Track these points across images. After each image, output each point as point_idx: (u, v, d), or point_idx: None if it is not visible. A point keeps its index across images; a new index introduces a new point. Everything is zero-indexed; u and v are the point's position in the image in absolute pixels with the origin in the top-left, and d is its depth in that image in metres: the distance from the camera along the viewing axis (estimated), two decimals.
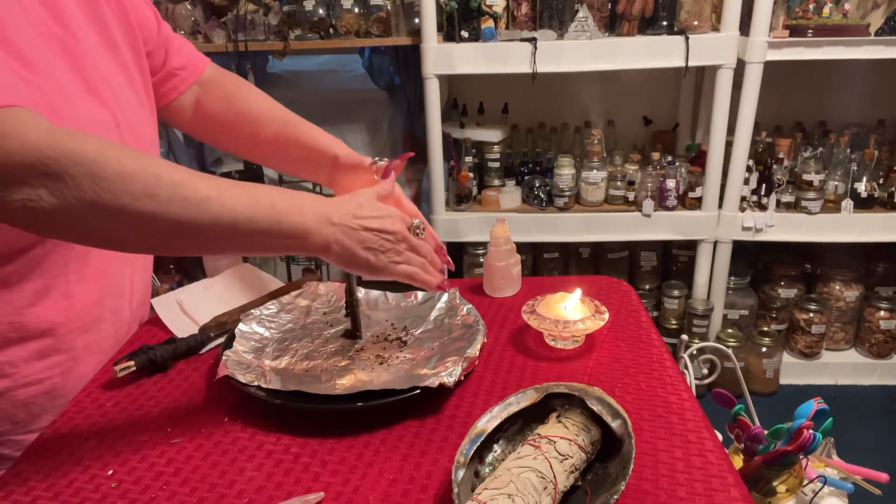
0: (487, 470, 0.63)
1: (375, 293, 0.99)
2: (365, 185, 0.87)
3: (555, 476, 0.57)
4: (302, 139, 0.93)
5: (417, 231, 0.78)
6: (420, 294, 0.98)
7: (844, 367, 2.35)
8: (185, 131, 1.01)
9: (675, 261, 2.46)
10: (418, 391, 0.73)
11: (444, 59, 2.00)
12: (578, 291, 0.90)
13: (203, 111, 0.96)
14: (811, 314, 2.30)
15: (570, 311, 0.88)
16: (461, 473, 0.59)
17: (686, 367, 1.36)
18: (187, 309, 0.97)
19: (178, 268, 2.54)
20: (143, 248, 0.71)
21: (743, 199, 2.16)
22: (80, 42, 0.78)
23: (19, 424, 0.80)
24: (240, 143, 0.98)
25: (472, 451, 0.61)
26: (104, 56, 0.82)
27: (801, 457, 0.86)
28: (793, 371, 2.35)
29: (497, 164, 2.29)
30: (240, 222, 0.66)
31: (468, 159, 2.25)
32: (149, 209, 0.61)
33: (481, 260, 2.27)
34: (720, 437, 0.77)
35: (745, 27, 1.95)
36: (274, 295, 0.99)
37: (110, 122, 0.80)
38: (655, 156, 2.22)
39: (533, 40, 1.97)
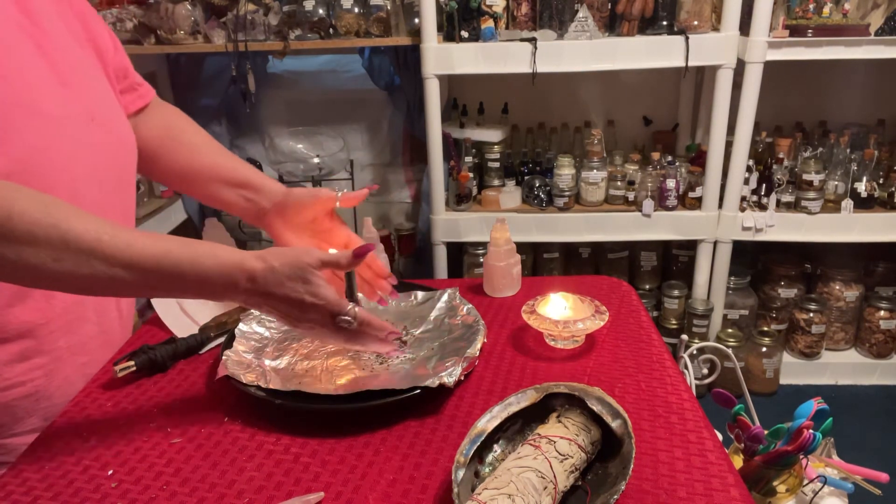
0: (487, 470, 0.63)
1: None
2: (317, 217, 0.86)
3: (555, 476, 0.57)
4: (239, 171, 0.91)
5: (342, 324, 0.71)
6: (420, 294, 0.98)
7: (844, 367, 2.35)
8: None
9: (675, 261, 2.46)
10: (418, 391, 0.73)
11: (444, 59, 2.00)
12: (573, 297, 0.90)
13: (140, 136, 0.93)
14: (811, 314, 2.30)
15: (569, 311, 0.88)
16: (461, 473, 0.59)
17: (686, 367, 1.36)
18: (187, 309, 0.97)
19: None
20: (46, 289, 0.72)
21: (743, 199, 2.16)
22: (51, 38, 0.78)
23: (3, 428, 0.79)
24: (172, 170, 0.95)
25: (472, 451, 0.61)
26: (77, 54, 0.82)
27: (801, 457, 0.86)
28: (793, 371, 2.35)
29: (497, 164, 2.29)
30: (149, 288, 0.67)
31: (468, 159, 2.25)
32: (56, 270, 0.62)
33: (481, 260, 2.27)
34: (720, 437, 0.77)
35: (745, 27, 1.95)
36: None
37: (84, 117, 0.79)
38: (655, 156, 2.22)
39: (533, 40, 1.97)
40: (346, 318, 0.70)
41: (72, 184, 0.77)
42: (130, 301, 0.95)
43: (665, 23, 2.01)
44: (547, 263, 2.44)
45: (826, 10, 1.93)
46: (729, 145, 2.08)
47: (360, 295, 0.96)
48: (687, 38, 1.94)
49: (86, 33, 0.85)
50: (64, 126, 0.76)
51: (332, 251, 0.75)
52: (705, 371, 1.93)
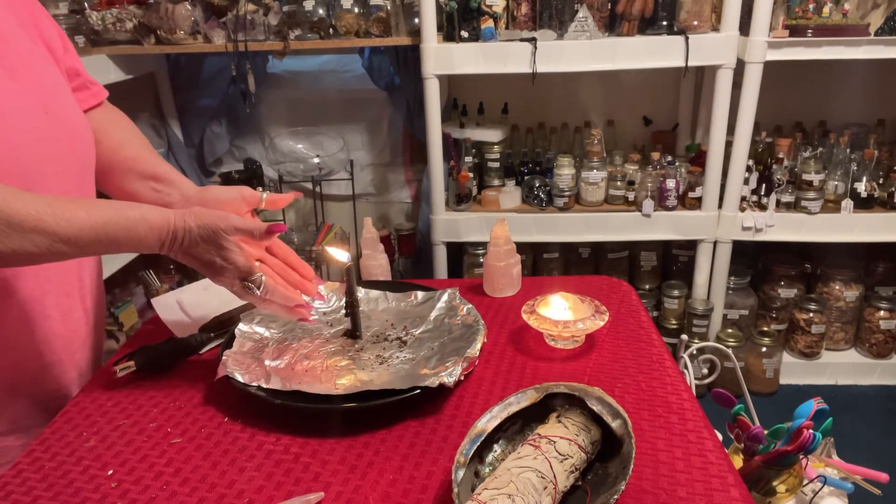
0: (487, 470, 0.63)
1: (375, 293, 0.99)
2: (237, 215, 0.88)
3: (555, 476, 0.57)
4: (160, 167, 0.94)
5: (249, 286, 0.77)
6: (420, 294, 0.98)
7: (844, 367, 2.35)
8: None
9: (675, 261, 2.46)
10: (418, 391, 0.73)
11: (444, 59, 2.00)
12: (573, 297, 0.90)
13: None
14: (811, 314, 2.30)
15: (569, 311, 0.88)
16: (461, 473, 0.59)
17: (686, 367, 1.36)
18: (187, 309, 0.97)
19: (178, 268, 2.54)
20: None
21: (743, 199, 2.16)
22: (0, 34, 0.77)
23: None
24: (98, 162, 0.96)
25: (472, 451, 0.61)
26: (27, 48, 0.82)
27: (801, 457, 0.86)
28: (793, 371, 2.35)
29: (497, 164, 2.29)
30: (87, 252, 0.72)
31: (468, 159, 2.25)
32: (1, 250, 0.65)
33: (481, 260, 2.27)
34: (720, 437, 0.77)
35: (744, 27, 1.95)
36: None
37: (38, 110, 0.79)
38: (655, 156, 2.22)
39: (533, 40, 1.97)
40: (251, 283, 0.77)
41: (23, 176, 0.76)
42: (97, 300, 0.94)
43: (665, 23, 2.01)
44: (547, 263, 2.44)
45: (826, 10, 1.93)
46: (729, 145, 2.08)
47: (359, 293, 0.96)
48: (687, 38, 1.94)
49: (36, 30, 0.85)
50: (14, 118, 0.76)
51: (246, 220, 0.79)
52: (705, 371, 1.93)
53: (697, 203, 2.18)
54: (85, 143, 0.88)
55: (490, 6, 1.99)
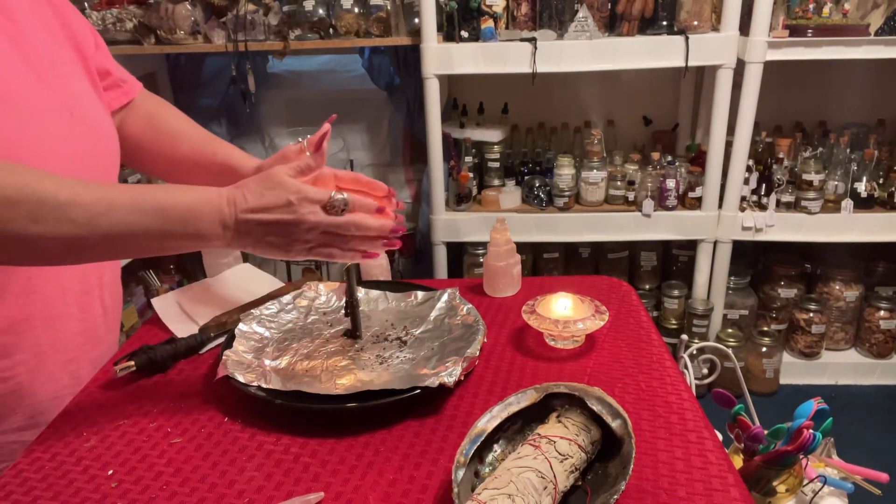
0: (487, 470, 0.63)
1: (375, 293, 0.99)
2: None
3: (555, 476, 0.57)
4: (219, 156, 0.91)
5: (335, 208, 0.71)
6: (420, 294, 0.98)
7: (844, 367, 2.35)
8: None
9: (675, 261, 2.46)
10: (418, 391, 0.73)
11: (443, 59, 2.00)
12: (571, 296, 0.90)
13: (124, 132, 0.94)
14: (811, 314, 2.30)
15: (569, 311, 0.88)
16: (461, 473, 0.59)
17: (686, 367, 1.36)
18: (187, 309, 0.97)
19: (178, 268, 2.54)
20: (41, 264, 0.71)
21: (743, 198, 2.16)
22: (27, 35, 0.78)
23: None
24: (158, 160, 0.96)
25: (472, 451, 0.61)
26: (53, 50, 0.82)
27: (801, 457, 0.86)
28: (793, 371, 2.35)
29: (497, 164, 2.29)
30: (134, 234, 0.66)
31: (468, 159, 2.25)
32: (36, 233, 0.61)
33: (481, 260, 2.27)
34: (720, 437, 0.77)
35: (744, 27, 1.95)
36: (274, 295, 0.99)
37: (63, 111, 0.79)
38: (655, 156, 2.22)
39: (533, 40, 1.97)
40: (335, 204, 0.71)
41: None
42: (115, 298, 0.94)
43: (665, 23, 2.01)
44: (547, 263, 2.44)
45: (826, 10, 1.93)
46: (729, 145, 2.08)
47: (359, 293, 0.96)
48: (687, 38, 1.94)
49: (64, 31, 0.85)
50: (41, 120, 0.76)
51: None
52: (705, 371, 1.93)
53: (697, 203, 2.18)
54: (110, 144, 0.88)
55: (490, 6, 1.99)
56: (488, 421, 0.64)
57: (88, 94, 0.86)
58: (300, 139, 0.82)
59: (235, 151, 0.92)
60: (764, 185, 2.14)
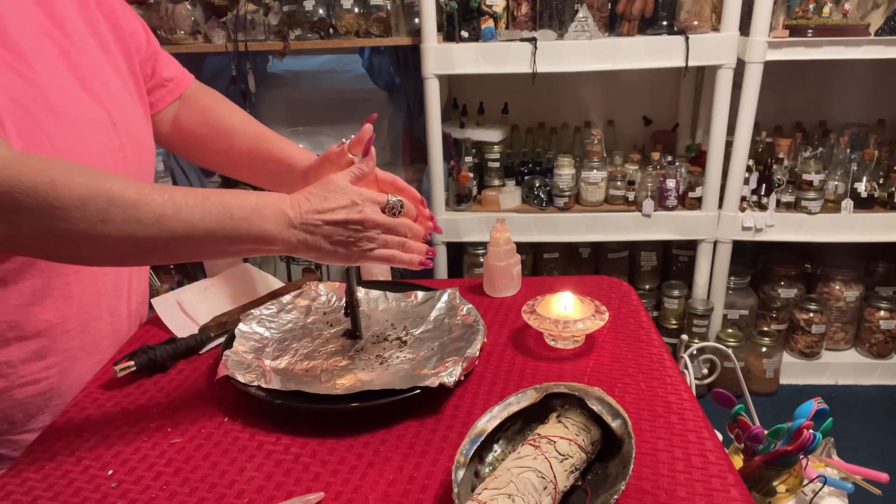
0: (487, 470, 0.63)
1: (375, 293, 0.99)
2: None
3: (555, 476, 0.57)
4: (275, 153, 0.92)
5: (394, 210, 0.74)
6: (420, 294, 0.98)
7: (844, 367, 2.35)
8: (161, 145, 0.99)
9: (675, 261, 2.46)
10: (418, 391, 0.73)
11: (444, 59, 2.00)
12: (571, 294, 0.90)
13: (180, 125, 0.96)
14: (811, 314, 2.30)
15: (569, 311, 0.88)
16: (461, 473, 0.59)
17: (686, 367, 1.36)
18: (187, 309, 0.97)
19: (178, 268, 2.54)
20: (107, 264, 0.72)
21: (743, 199, 2.16)
22: (74, 43, 0.79)
23: (16, 424, 0.80)
24: (215, 156, 0.97)
25: (472, 451, 0.61)
26: (99, 58, 0.83)
27: (801, 457, 0.86)
28: (793, 371, 2.35)
29: (497, 164, 2.29)
30: (199, 236, 0.66)
31: (468, 159, 2.25)
32: (105, 233, 0.62)
33: (481, 260, 2.27)
34: (720, 437, 0.77)
35: (745, 27, 1.95)
36: (274, 295, 0.99)
37: (106, 121, 0.80)
38: (655, 156, 2.22)
39: (533, 40, 1.97)
40: (393, 207, 0.74)
41: None
42: (140, 300, 0.96)
43: (665, 23, 2.01)
44: (547, 263, 2.44)
45: (826, 10, 1.93)
46: (729, 145, 2.08)
47: (359, 293, 0.96)
48: (687, 38, 1.94)
49: (114, 33, 0.85)
50: (87, 129, 0.77)
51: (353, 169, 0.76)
52: (705, 371, 1.92)
53: (697, 203, 2.18)
54: (148, 153, 0.89)
55: (490, 6, 1.99)
56: (488, 421, 0.64)
57: (132, 102, 0.87)
58: (343, 140, 0.82)
59: (291, 147, 0.92)
60: (764, 185, 2.14)
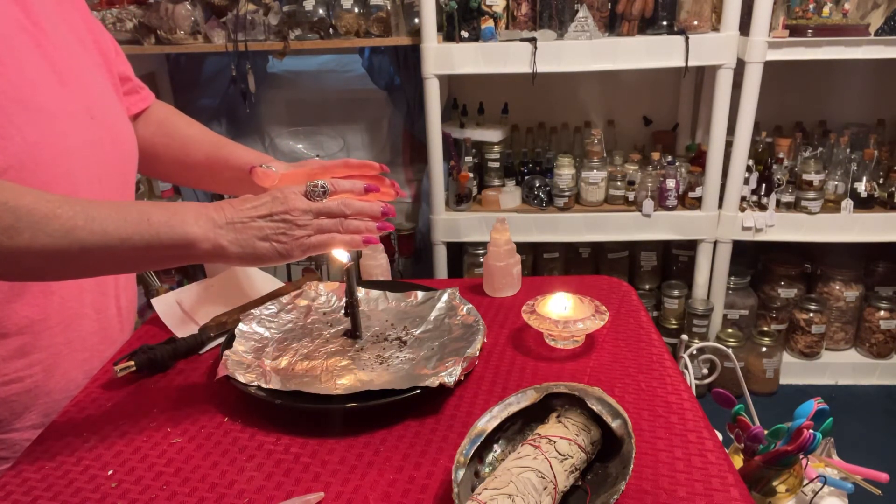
0: (487, 470, 0.63)
1: (375, 293, 0.99)
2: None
3: (555, 476, 0.57)
4: (232, 160, 0.92)
5: (315, 193, 0.72)
6: (420, 294, 0.98)
7: (844, 367, 2.35)
8: None
9: (675, 261, 2.46)
10: (418, 391, 0.73)
11: (444, 59, 2.00)
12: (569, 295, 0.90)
13: (139, 136, 0.96)
14: (811, 314, 2.30)
15: (569, 311, 0.88)
16: (461, 473, 0.59)
17: (686, 367, 1.36)
18: (187, 309, 0.97)
19: (179, 268, 2.54)
20: (25, 279, 0.72)
21: (743, 199, 2.16)
22: (50, 38, 0.79)
23: (2, 423, 0.79)
24: (171, 166, 0.97)
25: (472, 451, 0.61)
26: (77, 53, 0.83)
27: (801, 457, 0.86)
28: (793, 371, 2.35)
29: (497, 164, 2.29)
30: (114, 245, 0.65)
31: (468, 159, 2.25)
32: (12, 247, 0.61)
33: (481, 260, 2.27)
34: (720, 437, 0.77)
35: (744, 27, 1.95)
36: (274, 295, 0.99)
37: (84, 115, 0.80)
38: (655, 156, 2.22)
39: (533, 40, 1.97)
40: (314, 189, 0.72)
41: (69, 179, 0.77)
42: (130, 298, 0.95)
43: (665, 23, 2.01)
44: (547, 263, 2.44)
45: (826, 10, 1.93)
46: (729, 145, 2.08)
47: (359, 293, 0.96)
48: (687, 38, 1.94)
49: (91, 34, 0.87)
50: (61, 122, 0.77)
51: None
52: (705, 371, 1.93)
53: (697, 203, 2.18)
54: (128, 146, 0.89)
55: (490, 6, 1.99)
56: (488, 421, 0.64)
57: (109, 97, 0.87)
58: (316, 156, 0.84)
59: (248, 153, 0.93)
60: (764, 185, 2.14)
